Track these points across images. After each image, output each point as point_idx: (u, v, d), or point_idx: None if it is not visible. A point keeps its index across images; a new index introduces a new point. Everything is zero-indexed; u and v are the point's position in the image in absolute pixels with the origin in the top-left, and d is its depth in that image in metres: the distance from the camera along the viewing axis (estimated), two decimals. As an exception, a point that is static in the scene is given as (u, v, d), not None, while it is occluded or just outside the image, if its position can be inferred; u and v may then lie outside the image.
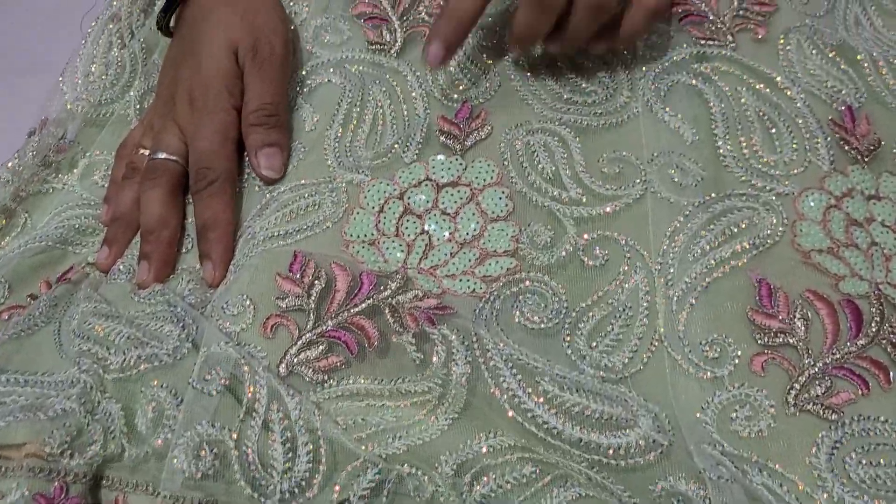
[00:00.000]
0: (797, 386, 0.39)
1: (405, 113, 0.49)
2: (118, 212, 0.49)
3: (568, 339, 0.42)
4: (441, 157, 0.47)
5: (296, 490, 0.36)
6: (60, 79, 0.58)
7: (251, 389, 0.38)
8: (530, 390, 0.39)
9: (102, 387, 0.38)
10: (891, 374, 0.39)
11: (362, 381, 0.39)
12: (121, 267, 0.47)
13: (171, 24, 0.54)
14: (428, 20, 0.53)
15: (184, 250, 0.47)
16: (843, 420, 0.38)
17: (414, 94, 0.50)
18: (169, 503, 0.35)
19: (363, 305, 0.42)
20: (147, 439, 0.37)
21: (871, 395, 0.38)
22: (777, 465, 0.37)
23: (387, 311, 0.41)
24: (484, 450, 0.38)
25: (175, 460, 0.36)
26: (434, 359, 0.40)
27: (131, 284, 0.45)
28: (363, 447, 0.38)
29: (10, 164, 0.53)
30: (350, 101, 0.50)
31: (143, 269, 0.45)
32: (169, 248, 0.46)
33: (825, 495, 0.36)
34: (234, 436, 0.37)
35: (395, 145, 0.48)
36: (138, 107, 0.56)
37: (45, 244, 0.49)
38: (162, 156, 0.48)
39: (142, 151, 0.51)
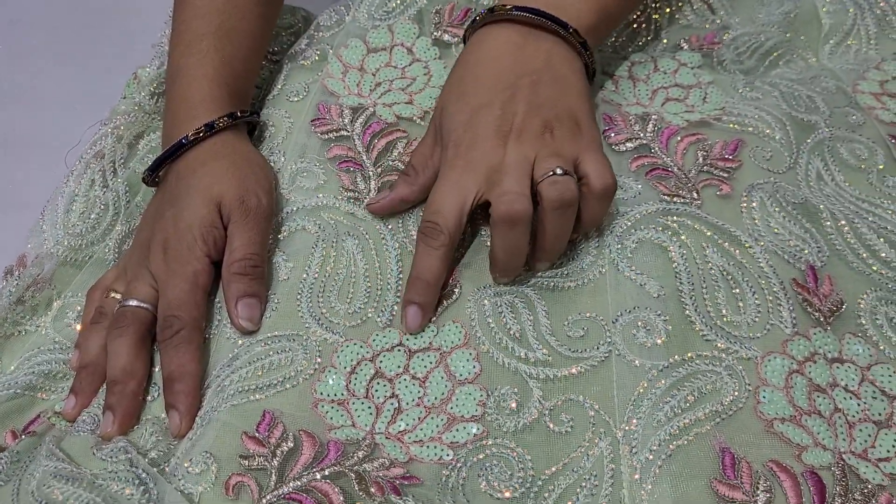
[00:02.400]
0: None
1: (378, 269, 0.50)
2: (86, 359, 0.49)
3: None
4: None
5: None
6: (41, 217, 0.59)
7: None
8: None
9: None
10: (855, 553, 0.39)
11: None
12: (85, 417, 0.47)
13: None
14: (401, 168, 0.54)
15: (150, 398, 0.47)
16: None
17: (387, 248, 0.51)
18: None
19: (328, 471, 0.41)
20: None
21: (835, 577, 0.38)
22: None
23: (353, 477, 0.41)
24: None
25: None
26: None
27: (94, 438, 0.45)
28: None
29: (-15, 304, 0.53)
30: (324, 252, 0.50)
31: (108, 420, 0.45)
32: (133, 399, 0.46)
33: None
34: None
35: (370, 310, 0.48)
36: (117, 250, 0.57)
37: (13, 391, 0.49)
38: (132, 303, 0.49)
39: (113, 295, 0.51)
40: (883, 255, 0.49)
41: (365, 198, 0.53)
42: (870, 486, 0.41)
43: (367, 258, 0.50)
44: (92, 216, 0.58)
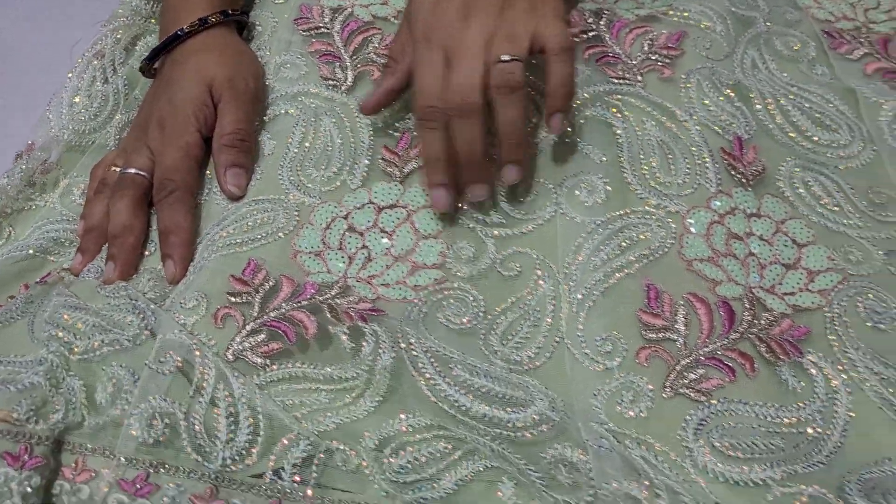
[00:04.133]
0: (673, 374, 0.45)
1: (352, 142, 0.56)
2: (90, 223, 0.55)
3: (483, 337, 0.47)
4: (382, 184, 0.53)
5: (236, 458, 0.42)
6: (48, 108, 0.64)
7: (201, 371, 0.43)
8: (445, 375, 0.44)
9: (67, 366, 0.43)
10: (756, 364, 0.45)
11: (300, 367, 0.45)
12: (90, 269, 0.52)
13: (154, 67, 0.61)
14: (376, 60, 0.60)
15: (147, 253, 0.53)
16: (710, 402, 0.43)
17: (360, 125, 0.56)
18: (123, 465, 0.41)
19: (304, 302, 0.47)
20: (106, 410, 0.42)
21: (737, 382, 0.44)
22: (653, 440, 0.43)
23: (326, 308, 0.47)
24: (403, 428, 0.43)
25: (130, 428, 0.41)
26: (363, 350, 0.45)
27: (98, 282, 0.50)
28: (298, 424, 0.43)
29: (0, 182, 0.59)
30: (303, 130, 0.56)
31: (109, 268, 0.51)
32: (133, 251, 0.52)
33: (690, 462, 0.42)
34: (184, 409, 0.42)
35: (343, 173, 0.54)
36: (118, 137, 0.62)
37: (26, 252, 0.55)
38: (131, 171, 0.55)
39: (113, 169, 0.57)
40: (804, 129, 0.55)
41: (342, 86, 0.58)
42: (775, 314, 0.47)
43: (343, 133, 0.56)
44: (93, 106, 0.63)
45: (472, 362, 0.46)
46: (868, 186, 0.53)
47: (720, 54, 0.59)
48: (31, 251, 0.55)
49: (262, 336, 0.46)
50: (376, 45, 0.61)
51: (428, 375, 0.44)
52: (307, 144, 0.55)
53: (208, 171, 0.56)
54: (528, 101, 0.52)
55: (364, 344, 0.46)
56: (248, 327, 0.46)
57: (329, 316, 0.47)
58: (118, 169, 0.57)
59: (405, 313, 0.48)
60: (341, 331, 0.46)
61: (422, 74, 0.50)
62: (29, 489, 0.38)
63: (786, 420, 0.43)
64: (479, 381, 0.44)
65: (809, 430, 0.43)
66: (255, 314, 0.47)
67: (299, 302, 0.48)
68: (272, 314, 0.47)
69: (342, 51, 0.61)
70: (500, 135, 0.50)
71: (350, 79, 0.59)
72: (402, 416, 0.44)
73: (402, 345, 0.46)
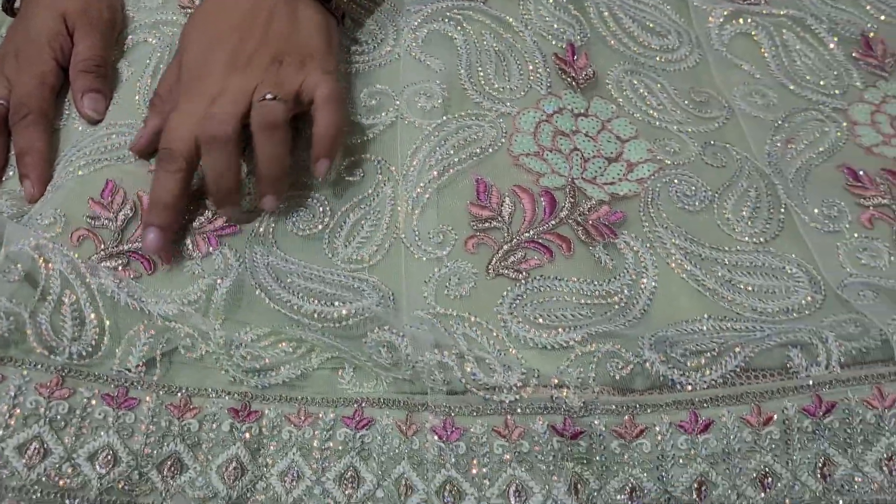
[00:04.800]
0: (495, 258, 0.48)
1: None
2: None
3: (327, 241, 0.50)
4: None
5: (83, 353, 0.44)
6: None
7: (46, 277, 0.45)
8: (282, 284, 0.47)
9: None
10: (572, 245, 0.48)
11: (152, 289, 0.47)
12: None
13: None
14: None
15: (5, 178, 0.54)
16: (526, 279, 0.47)
17: None
18: (-33, 359, 0.43)
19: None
20: None
21: (554, 261, 0.48)
22: (473, 316, 0.46)
23: (188, 238, 0.49)
24: (248, 338, 0.46)
25: None
26: (213, 270, 0.48)
27: None
28: (146, 316, 0.45)
29: None
30: (160, 57, 0.58)
31: None
32: None
33: (505, 333, 0.45)
34: (29, 310, 0.44)
35: None
36: None
37: None
38: None
39: None
40: (635, 35, 0.59)
41: None
42: (594, 201, 0.51)
43: None
44: None
45: (309, 270, 0.48)
46: (691, 87, 0.57)
47: None
48: None
49: (120, 261, 0.48)
50: None
51: (268, 287, 0.47)
52: (161, 70, 0.57)
53: (67, 99, 0.58)
54: (290, 140, 0.51)
55: (215, 268, 0.48)
56: (105, 251, 0.48)
57: (189, 247, 0.49)
58: None
59: (256, 226, 0.50)
60: (195, 263, 0.48)
61: (177, 122, 0.49)
62: None
63: (596, 292, 0.47)
64: (312, 285, 0.47)
65: (616, 299, 0.47)
66: (114, 243, 0.48)
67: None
68: (130, 246, 0.48)
69: None
70: (260, 171, 0.50)
71: None
72: (247, 328, 0.46)
73: (247, 263, 0.48)
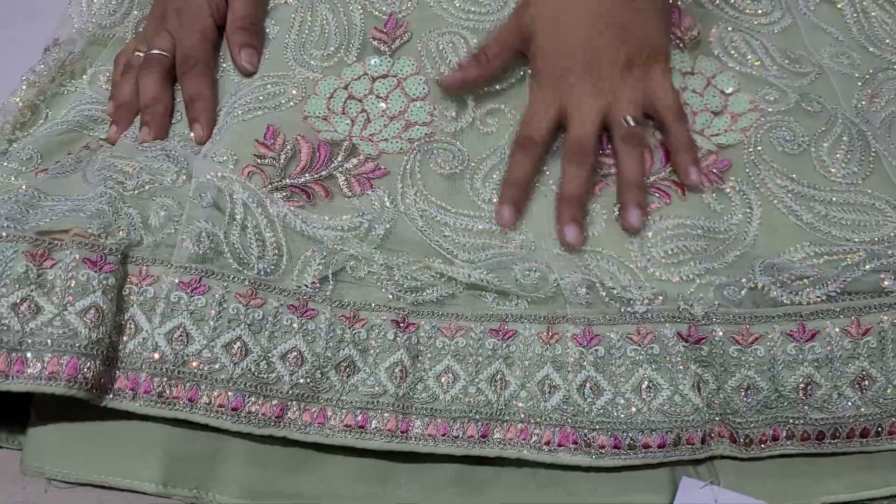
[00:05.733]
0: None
1: (345, 24, 0.64)
2: (121, 100, 0.63)
3: (469, 181, 0.57)
4: (375, 59, 0.62)
5: (268, 270, 0.52)
6: (69, 6, 0.72)
7: (230, 205, 0.52)
8: (436, 232, 0.55)
9: (122, 199, 0.52)
10: (685, 189, 0.56)
11: (315, 216, 0.54)
12: (126, 137, 0.61)
13: None
14: None
15: (174, 121, 0.61)
16: (649, 220, 0.55)
17: (352, 9, 0.65)
18: (180, 270, 0.50)
19: (323, 173, 0.56)
20: (160, 231, 0.51)
21: (672, 205, 0.56)
22: (607, 251, 0.54)
23: (339, 176, 0.56)
24: (403, 263, 0.53)
25: (184, 242, 0.51)
26: (369, 208, 0.55)
27: (136, 143, 0.59)
28: (316, 242, 0.52)
29: (35, 70, 0.67)
30: (302, 16, 0.65)
31: (144, 132, 0.60)
32: (163, 118, 0.61)
33: (635, 265, 0.53)
34: (223, 231, 0.52)
35: (340, 52, 0.63)
36: (134, 31, 0.70)
37: (66, 127, 0.63)
38: (155, 51, 0.63)
39: (137, 53, 0.65)
40: (732, 1, 0.65)
41: None
42: (702, 151, 0.58)
43: (337, 17, 0.64)
44: (111, 4, 0.71)
45: (458, 219, 0.55)
46: (785, 47, 0.64)
47: None
48: (69, 126, 0.63)
49: (284, 193, 0.55)
50: None
51: (424, 231, 0.55)
52: (306, 28, 0.64)
53: (221, 54, 0.65)
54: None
55: (371, 206, 0.55)
56: (272, 185, 0.55)
57: (342, 185, 0.56)
58: (142, 53, 0.65)
59: (402, 165, 0.57)
60: (352, 199, 0.55)
61: (538, 111, 0.57)
62: (107, 285, 0.48)
63: (710, 227, 0.54)
64: (459, 233, 0.55)
65: (726, 233, 0.54)
66: (279, 177, 0.55)
67: (318, 173, 0.56)
68: (293, 180, 0.56)
69: None
70: (623, 183, 0.55)
71: None
72: (400, 256, 0.53)
73: (400, 204, 0.55)
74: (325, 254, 0.52)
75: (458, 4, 0.65)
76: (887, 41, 0.65)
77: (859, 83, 0.62)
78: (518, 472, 0.51)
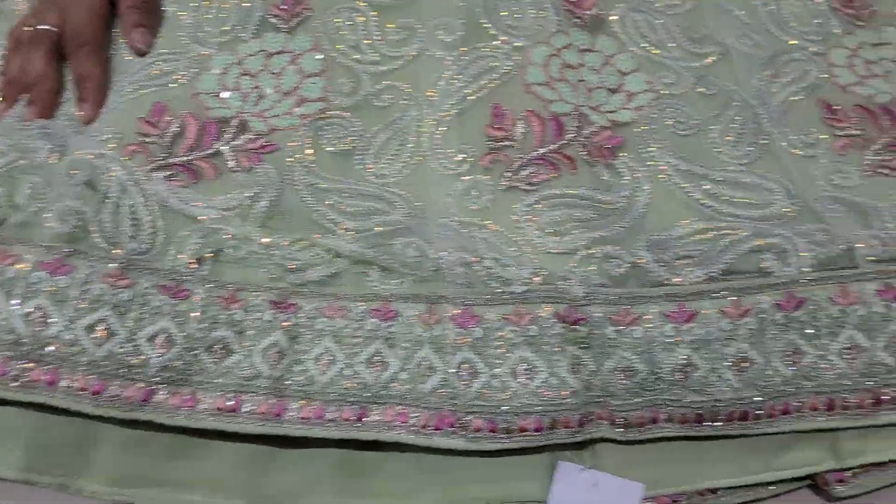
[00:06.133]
0: (510, 172, 0.54)
1: (245, 3, 0.62)
2: (10, 76, 0.61)
3: (359, 157, 0.56)
4: (271, 34, 0.61)
5: (141, 250, 0.50)
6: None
7: (106, 180, 0.51)
8: (321, 201, 0.53)
9: None
10: (576, 164, 0.54)
11: (198, 195, 0.52)
12: (11, 115, 0.59)
13: None
14: None
15: (63, 100, 0.59)
16: (537, 190, 0.53)
17: None
18: (42, 250, 0.48)
19: (208, 151, 0.55)
20: (25, 209, 0.49)
21: (561, 177, 0.54)
22: (493, 224, 0.52)
23: (227, 152, 0.55)
24: (286, 242, 0.51)
25: (48, 220, 0.49)
26: (256, 182, 0.54)
27: (17, 121, 0.57)
28: (194, 220, 0.51)
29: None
30: None
31: (29, 110, 0.58)
32: (49, 95, 0.58)
33: (521, 236, 0.51)
34: (94, 209, 0.50)
35: (237, 28, 0.61)
36: (27, 4, 0.68)
37: None
38: (44, 27, 0.61)
39: (26, 28, 0.63)
40: None
41: None
42: (596, 126, 0.56)
43: None
44: None
45: (345, 185, 0.54)
46: (688, 26, 0.63)
47: None
48: None
49: (168, 172, 0.53)
50: None
51: (308, 203, 0.53)
52: (203, 8, 0.62)
53: (115, 30, 0.63)
54: None
55: (257, 180, 0.53)
56: (156, 163, 0.53)
57: (228, 161, 0.54)
58: (31, 28, 0.63)
59: (292, 136, 0.56)
60: (238, 175, 0.54)
61: None
62: (-37, 266, 0.46)
63: (597, 199, 0.53)
64: (349, 201, 0.54)
65: (616, 207, 0.53)
66: (164, 156, 0.54)
67: (204, 150, 0.55)
68: (178, 159, 0.54)
69: None
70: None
71: None
72: (283, 234, 0.51)
73: (286, 177, 0.54)
74: (203, 234, 0.51)
75: None
76: (793, 24, 0.64)
77: (761, 64, 0.61)
78: (402, 458, 0.50)
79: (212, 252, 0.51)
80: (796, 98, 0.60)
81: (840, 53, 0.63)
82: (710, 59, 0.61)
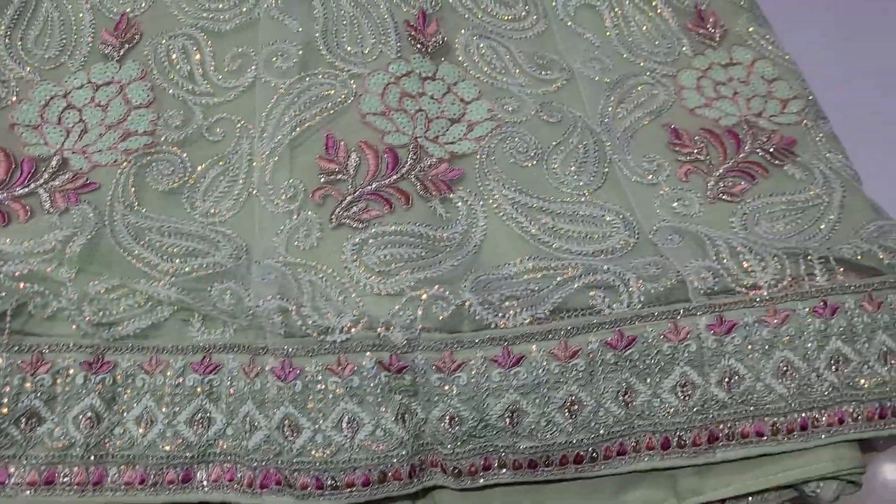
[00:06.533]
0: (339, 208, 0.52)
1: (72, 22, 0.59)
2: None
3: (187, 196, 0.53)
4: (100, 65, 0.57)
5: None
6: None
7: None
8: (140, 240, 0.50)
9: None
10: (411, 198, 0.52)
11: (8, 240, 0.49)
12: None
13: None
14: None
15: None
16: (367, 228, 0.51)
17: (81, 7, 0.59)
18: None
19: (21, 190, 0.51)
20: None
21: (394, 213, 0.52)
22: (320, 265, 0.50)
23: (42, 193, 0.51)
24: (102, 290, 0.48)
25: None
26: (71, 223, 0.50)
27: None
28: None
29: None
30: (23, 6, 0.59)
31: None
32: None
33: (347, 277, 0.49)
34: None
35: (64, 55, 0.57)
36: None
37: None
38: None
39: None
40: (484, 5, 0.63)
41: None
42: (434, 159, 0.54)
43: (63, 14, 0.59)
44: None
45: (167, 224, 0.51)
46: (535, 51, 0.61)
47: None
48: None
49: None
50: None
51: (125, 243, 0.50)
52: (25, 22, 0.58)
53: None
54: None
55: (72, 223, 0.50)
56: None
57: (44, 201, 0.51)
58: None
59: (116, 178, 0.52)
60: (52, 217, 0.50)
61: None
62: None
63: (430, 235, 0.51)
64: (170, 240, 0.50)
65: (448, 244, 0.51)
66: None
67: (15, 190, 0.51)
68: None
69: None
70: None
71: None
72: (103, 279, 0.48)
73: (106, 219, 0.51)
74: (3, 291, 0.47)
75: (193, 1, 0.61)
76: (643, 45, 0.63)
77: (607, 90, 0.60)
78: None
79: (14, 307, 0.47)
80: (643, 123, 0.59)
81: (690, 75, 0.62)
82: (555, 86, 0.60)
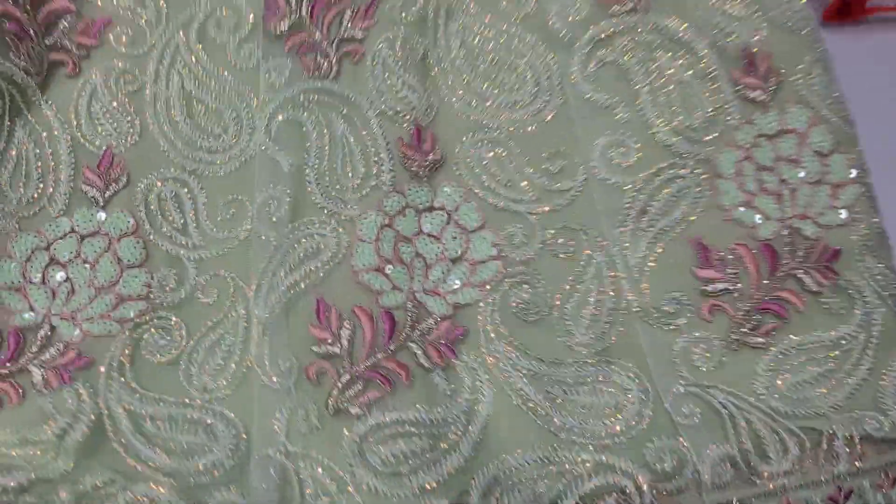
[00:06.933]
0: (336, 390, 0.49)
1: (50, 159, 0.54)
2: None
3: (183, 367, 0.50)
4: (84, 210, 0.53)
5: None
6: None
7: None
8: (137, 432, 0.48)
9: None
10: (411, 372, 0.49)
11: (9, 432, 0.48)
12: None
13: None
14: (68, 45, 0.56)
15: None
16: (366, 418, 0.48)
17: (59, 139, 0.54)
18: None
19: (7, 370, 0.49)
20: None
21: (395, 393, 0.49)
22: (321, 456, 0.47)
23: (35, 371, 0.49)
24: (97, 483, 0.47)
25: None
26: (65, 408, 0.48)
27: None
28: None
29: None
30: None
31: None
32: None
33: (350, 476, 0.47)
34: None
35: (43, 198, 0.53)
36: None
37: None
38: None
39: None
40: (484, 97, 0.56)
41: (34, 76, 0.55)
42: (435, 317, 0.50)
43: (40, 146, 0.54)
44: None
45: (164, 409, 0.49)
46: (545, 154, 0.55)
47: (410, 14, 0.57)
48: None
49: None
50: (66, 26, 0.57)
51: (125, 440, 0.48)
52: None
53: None
54: None
55: (66, 407, 0.48)
56: None
57: (35, 381, 0.49)
58: None
59: (109, 352, 0.50)
60: (46, 400, 0.48)
61: None
62: None
63: (433, 419, 0.48)
64: (166, 434, 0.48)
65: (453, 421, 0.48)
66: None
67: (6, 367, 0.49)
68: None
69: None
70: None
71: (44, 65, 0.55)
72: (98, 473, 0.47)
73: (112, 401, 0.49)
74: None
75: (184, 134, 0.56)
76: (677, 111, 0.55)
77: (627, 200, 0.53)
78: None
79: None
80: (668, 237, 0.53)
81: (729, 158, 0.54)
82: (567, 197, 0.54)
